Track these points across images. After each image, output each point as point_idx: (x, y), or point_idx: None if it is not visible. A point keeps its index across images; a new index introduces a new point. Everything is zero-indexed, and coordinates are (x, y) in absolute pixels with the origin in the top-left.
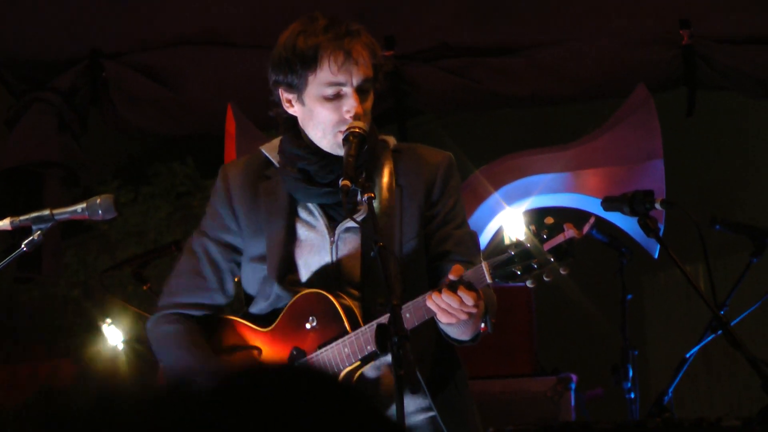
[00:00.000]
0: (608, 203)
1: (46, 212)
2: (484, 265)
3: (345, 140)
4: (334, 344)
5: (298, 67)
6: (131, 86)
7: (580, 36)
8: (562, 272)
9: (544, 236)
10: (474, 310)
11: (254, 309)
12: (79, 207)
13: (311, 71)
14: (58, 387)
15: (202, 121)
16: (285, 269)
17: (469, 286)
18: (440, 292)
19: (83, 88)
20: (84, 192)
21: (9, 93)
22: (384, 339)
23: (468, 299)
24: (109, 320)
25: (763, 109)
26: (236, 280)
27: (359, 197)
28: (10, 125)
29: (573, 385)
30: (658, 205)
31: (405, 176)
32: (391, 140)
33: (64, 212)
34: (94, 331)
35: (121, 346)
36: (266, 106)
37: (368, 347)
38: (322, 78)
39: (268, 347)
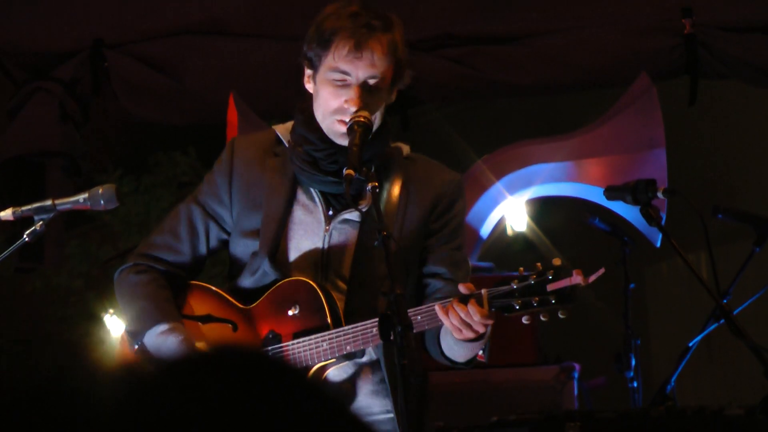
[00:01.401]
0: (610, 192)
1: (48, 202)
2: (483, 292)
3: (350, 129)
4: (312, 337)
5: (316, 45)
6: (133, 76)
7: (582, 24)
8: (561, 315)
9: (550, 277)
10: (482, 329)
11: (238, 284)
12: (81, 197)
13: (324, 53)
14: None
15: (203, 111)
16: (276, 246)
17: (480, 302)
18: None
19: (85, 78)
20: (86, 182)
21: (11, 82)
22: (387, 328)
23: (476, 314)
24: (111, 310)
25: (766, 97)
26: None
27: (365, 188)
28: (12, 115)
29: (576, 374)
30: (660, 194)
31: (413, 184)
32: (405, 148)
33: (66, 202)
34: (96, 321)
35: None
36: (268, 95)
37: (347, 347)
38: (330, 62)
39: (244, 324)
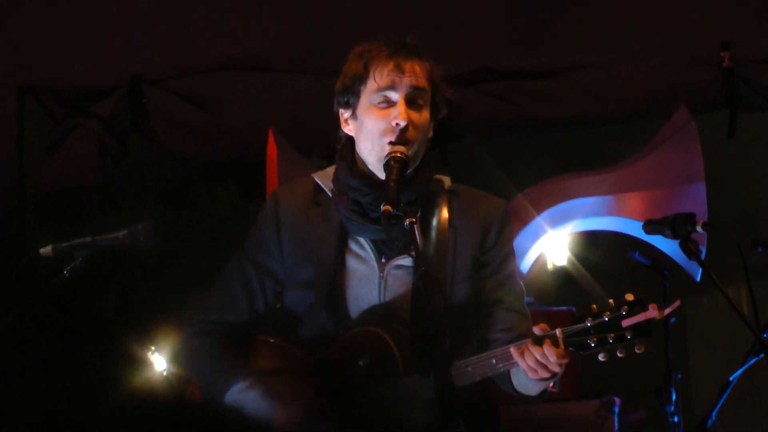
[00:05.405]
0: (650, 226)
1: (88, 239)
2: (557, 332)
3: (386, 165)
4: (386, 384)
5: (352, 82)
6: (171, 112)
7: (620, 58)
8: (637, 350)
9: (623, 312)
10: (557, 369)
11: (299, 335)
12: (120, 233)
13: (363, 83)
14: None
15: (242, 146)
16: (333, 299)
17: (555, 342)
18: (527, 346)
19: (124, 114)
20: (126, 217)
21: (50, 119)
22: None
23: (552, 355)
24: (153, 347)
25: None
26: (278, 305)
27: (405, 225)
28: (51, 151)
29: (616, 409)
30: (699, 228)
31: (459, 218)
32: (447, 180)
33: (105, 239)
34: (138, 357)
35: (165, 373)
36: (307, 130)
37: (422, 392)
38: (371, 87)
39: (312, 375)
